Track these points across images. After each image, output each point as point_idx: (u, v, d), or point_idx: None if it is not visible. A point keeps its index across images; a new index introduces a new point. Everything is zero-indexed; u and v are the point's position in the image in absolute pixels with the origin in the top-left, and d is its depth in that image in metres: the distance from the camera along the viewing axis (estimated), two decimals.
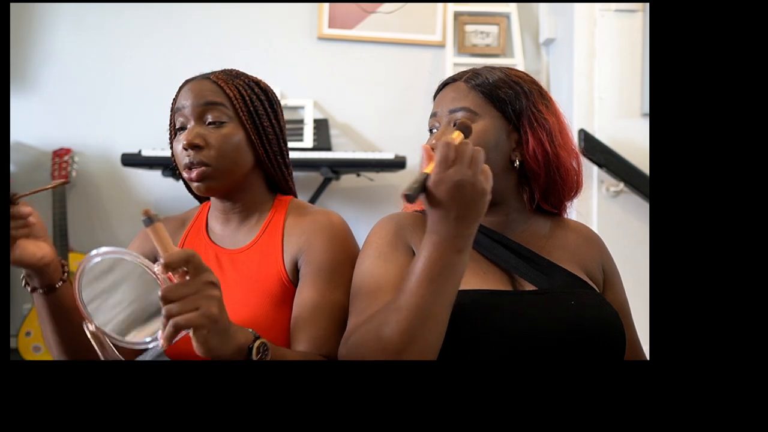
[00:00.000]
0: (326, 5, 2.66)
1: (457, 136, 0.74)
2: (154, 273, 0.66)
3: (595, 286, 0.88)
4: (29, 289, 0.83)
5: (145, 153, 2.29)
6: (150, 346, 0.69)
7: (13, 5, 2.52)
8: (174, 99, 0.95)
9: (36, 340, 2.36)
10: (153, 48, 2.63)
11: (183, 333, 0.65)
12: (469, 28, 2.72)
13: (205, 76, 0.94)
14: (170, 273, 0.64)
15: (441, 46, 2.70)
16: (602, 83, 2.31)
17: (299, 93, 2.61)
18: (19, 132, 2.54)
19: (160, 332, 0.66)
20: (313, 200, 2.45)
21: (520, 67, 2.62)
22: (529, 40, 2.76)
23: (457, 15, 2.72)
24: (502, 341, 0.76)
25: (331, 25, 2.68)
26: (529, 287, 0.83)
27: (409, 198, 0.66)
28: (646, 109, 2.28)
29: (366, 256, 0.85)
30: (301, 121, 2.53)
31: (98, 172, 2.60)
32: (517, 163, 0.87)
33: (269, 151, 0.96)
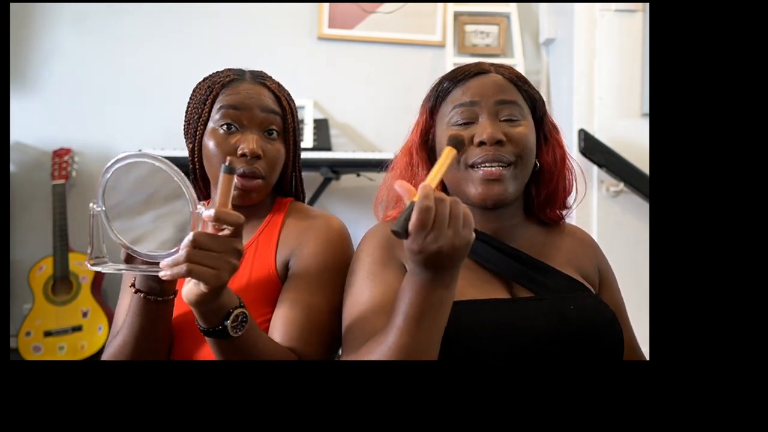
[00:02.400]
0: (326, 5, 2.66)
1: (448, 153, 0.71)
2: (195, 210, 0.66)
3: (591, 289, 0.87)
4: (139, 293, 0.78)
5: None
6: (152, 267, 0.70)
7: (13, 5, 2.52)
8: (212, 93, 0.91)
9: (36, 340, 2.36)
10: (153, 47, 2.63)
11: (187, 278, 0.66)
12: (469, 28, 2.72)
13: (259, 82, 0.93)
14: (214, 223, 0.66)
15: (441, 46, 2.70)
16: (602, 83, 2.31)
17: (299, 93, 2.57)
18: (19, 132, 2.54)
19: (166, 260, 0.67)
20: (313, 200, 2.45)
21: (520, 67, 2.62)
22: (529, 40, 2.76)
23: (457, 15, 2.72)
24: (500, 350, 0.75)
25: (331, 25, 2.68)
26: (526, 293, 0.82)
27: (398, 235, 0.62)
28: (646, 109, 2.28)
29: (356, 276, 0.84)
30: (301, 121, 2.53)
31: (98, 172, 2.56)
32: (538, 165, 0.87)
33: (296, 165, 0.98)
